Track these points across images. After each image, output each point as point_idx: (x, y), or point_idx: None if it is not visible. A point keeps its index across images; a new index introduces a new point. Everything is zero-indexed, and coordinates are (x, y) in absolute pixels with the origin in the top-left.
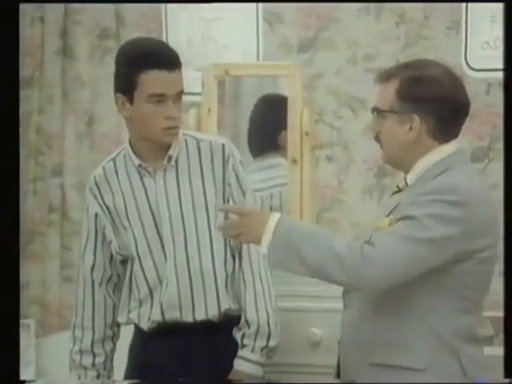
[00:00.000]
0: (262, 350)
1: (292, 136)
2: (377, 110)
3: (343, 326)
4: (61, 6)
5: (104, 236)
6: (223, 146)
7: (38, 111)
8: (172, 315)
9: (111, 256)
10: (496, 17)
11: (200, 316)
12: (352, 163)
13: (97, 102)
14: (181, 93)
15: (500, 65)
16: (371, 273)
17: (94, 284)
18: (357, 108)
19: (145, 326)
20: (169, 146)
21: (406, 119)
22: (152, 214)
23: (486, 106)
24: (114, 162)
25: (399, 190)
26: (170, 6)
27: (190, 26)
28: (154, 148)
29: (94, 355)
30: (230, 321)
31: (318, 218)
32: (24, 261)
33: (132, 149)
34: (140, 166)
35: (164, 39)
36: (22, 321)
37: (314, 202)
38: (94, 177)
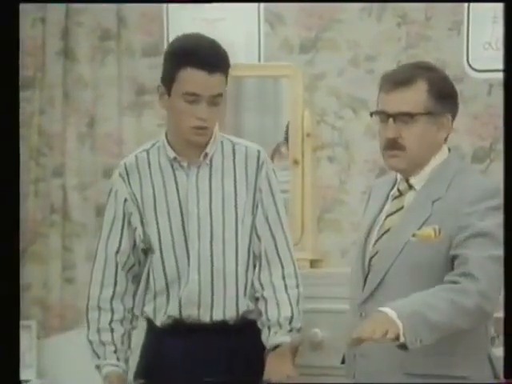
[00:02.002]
0: (298, 331)
1: (293, 137)
2: (406, 115)
3: None
4: (62, 8)
5: (130, 222)
6: (259, 152)
7: (40, 112)
8: (189, 312)
9: (134, 243)
10: (498, 17)
11: (217, 316)
12: (353, 164)
13: (98, 103)
14: (218, 96)
15: (502, 65)
16: (490, 308)
17: (117, 267)
18: (358, 109)
19: (159, 321)
20: (206, 144)
21: (437, 119)
22: (180, 208)
23: (487, 106)
24: (148, 153)
25: (400, 194)
26: (172, 7)
27: (191, 26)
28: (190, 143)
29: (113, 330)
30: (247, 324)
31: (319, 219)
32: (25, 262)
33: (168, 142)
34: (175, 159)
35: (165, 40)
36: (23, 322)
37: (316, 203)
38: (125, 163)
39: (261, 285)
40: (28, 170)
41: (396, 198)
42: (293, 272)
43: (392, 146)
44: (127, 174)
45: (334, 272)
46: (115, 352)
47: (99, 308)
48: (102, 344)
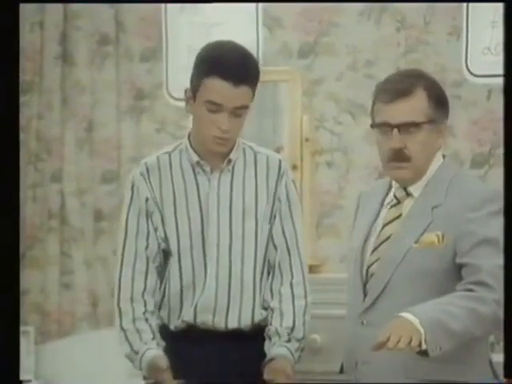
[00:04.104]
0: (298, 340)
1: (292, 142)
2: (411, 125)
3: (365, 345)
4: (60, 12)
5: (152, 221)
6: (280, 161)
7: (38, 117)
8: (204, 318)
9: (158, 242)
10: (497, 22)
11: (232, 324)
12: (352, 169)
13: (96, 108)
14: (242, 108)
15: (501, 70)
16: (503, 315)
17: (148, 260)
18: (357, 114)
19: (173, 325)
20: (229, 150)
21: (437, 126)
22: (201, 213)
23: (486, 111)
24: (170, 156)
25: (398, 202)
26: (170, 11)
27: (190, 31)
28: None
29: (147, 320)
30: (261, 332)
31: (317, 224)
32: (23, 267)
33: (191, 145)
34: (198, 163)
35: (163, 44)
36: (21, 328)
37: (314, 208)
38: (146, 163)
39: (271, 293)
40: (26, 175)
41: (393, 206)
42: (301, 281)
43: (397, 157)
44: (148, 174)
45: (333, 277)
46: (153, 339)
47: (132, 299)
48: (137, 332)
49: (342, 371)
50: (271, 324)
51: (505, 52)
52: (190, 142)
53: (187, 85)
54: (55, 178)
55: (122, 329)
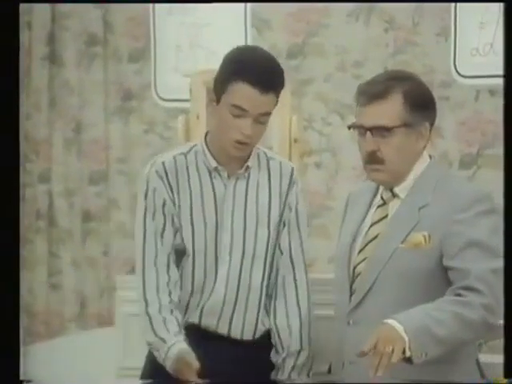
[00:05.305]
0: (293, 355)
1: (281, 142)
2: (383, 128)
3: (351, 345)
4: (48, 12)
5: (173, 222)
6: (292, 169)
7: (26, 117)
8: (209, 322)
9: (173, 242)
10: (485, 23)
11: (235, 330)
12: (341, 170)
13: (84, 109)
14: (266, 115)
15: (489, 71)
16: (494, 320)
17: (169, 256)
18: (346, 114)
19: None
20: (247, 156)
21: (415, 129)
22: (216, 217)
23: (475, 112)
24: (185, 157)
25: (384, 203)
26: (159, 11)
27: (178, 31)
28: (229, 155)
29: (173, 312)
30: (262, 338)
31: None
32: None
33: (208, 149)
34: (215, 168)
35: (152, 45)
36: None
37: None
38: (164, 162)
39: (273, 307)
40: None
41: (380, 206)
42: (306, 297)
43: (372, 159)
44: (166, 173)
45: (322, 278)
46: (180, 332)
47: (158, 289)
48: (163, 321)
49: (330, 371)
50: (272, 338)
51: (505, 52)
52: (206, 144)
53: (176, 85)
54: (43, 179)
55: (148, 315)
